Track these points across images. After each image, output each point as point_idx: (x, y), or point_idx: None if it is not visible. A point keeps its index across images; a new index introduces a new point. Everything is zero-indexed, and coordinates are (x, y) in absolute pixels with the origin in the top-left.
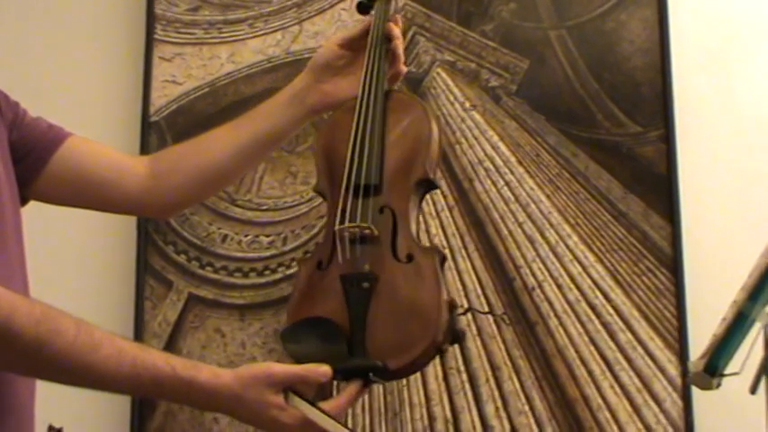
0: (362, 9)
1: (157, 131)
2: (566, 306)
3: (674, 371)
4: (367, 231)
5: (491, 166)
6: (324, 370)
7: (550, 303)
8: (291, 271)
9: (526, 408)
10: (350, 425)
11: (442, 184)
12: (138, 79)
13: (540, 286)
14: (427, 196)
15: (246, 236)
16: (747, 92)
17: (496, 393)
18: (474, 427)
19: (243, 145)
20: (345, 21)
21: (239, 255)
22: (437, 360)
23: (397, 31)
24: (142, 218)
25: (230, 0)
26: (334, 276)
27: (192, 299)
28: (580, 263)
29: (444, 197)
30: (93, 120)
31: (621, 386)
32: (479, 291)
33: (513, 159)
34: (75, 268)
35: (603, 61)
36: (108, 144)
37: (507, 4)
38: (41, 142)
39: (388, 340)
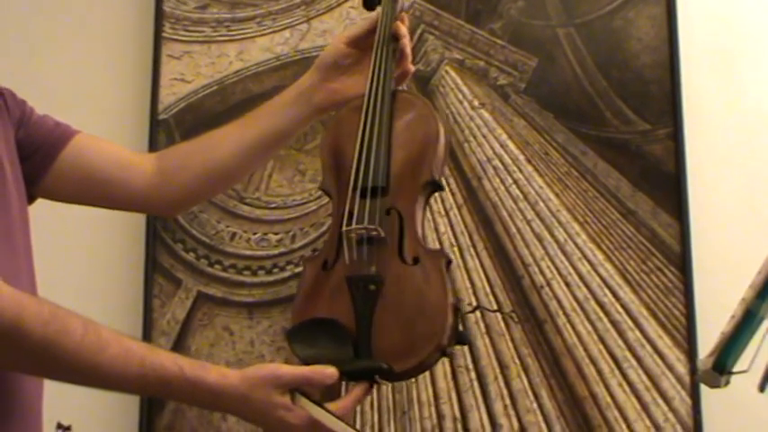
0: (369, 5)
1: (166, 129)
2: (574, 304)
3: (682, 369)
4: (374, 233)
5: (499, 165)
6: (330, 372)
7: (559, 301)
8: (300, 269)
9: (534, 406)
10: (358, 423)
11: (451, 182)
12: (146, 77)
13: (549, 284)
14: (436, 194)
15: (255, 234)
16: (756, 89)
17: (505, 392)
18: (482, 426)
19: (250, 143)
20: (353, 18)
21: (248, 253)
22: (445, 358)
23: (403, 29)
24: (150, 216)
25: None
26: (340, 277)
27: (200, 297)
28: (589, 261)
29: (453, 195)
30: (101, 118)
31: (630, 384)
32: (488, 289)
33: (521, 157)
34: (84, 266)
35: (612, 59)
36: (116, 142)
37: (516, 1)
38: (48, 140)
39: (394, 343)
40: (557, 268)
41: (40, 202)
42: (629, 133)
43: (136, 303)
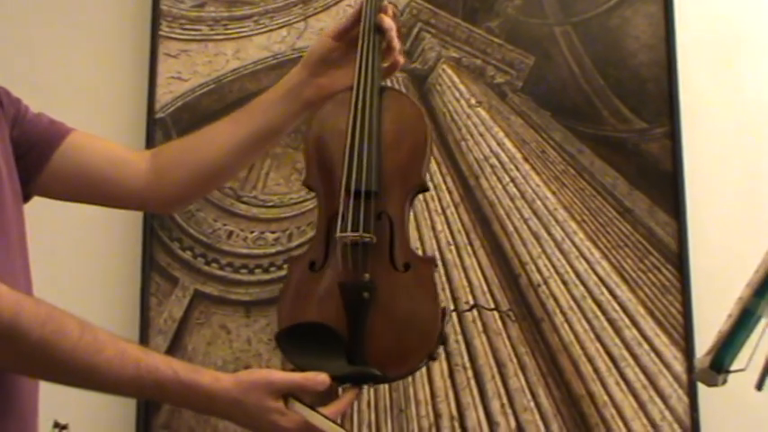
0: None
1: (163, 128)
2: (571, 303)
3: (679, 367)
4: (368, 239)
5: (497, 163)
6: (322, 378)
7: (556, 300)
8: None
9: (532, 404)
10: (355, 421)
11: (448, 180)
12: (143, 76)
13: (546, 283)
14: (432, 193)
15: (252, 232)
16: (753, 88)
17: (502, 390)
18: (479, 424)
19: (242, 140)
20: None
21: (245, 251)
22: (443, 357)
23: (388, 21)
24: (147, 213)
25: None
26: (331, 281)
27: (197, 295)
28: (586, 259)
29: (450, 194)
30: (98, 116)
31: (627, 383)
32: (485, 287)
33: (518, 156)
34: (80, 265)
35: (609, 58)
36: (113, 140)
37: (513, 0)
38: (43, 138)
39: (387, 350)
40: (554, 266)
41: (36, 200)
42: (627, 132)
43: (133, 302)
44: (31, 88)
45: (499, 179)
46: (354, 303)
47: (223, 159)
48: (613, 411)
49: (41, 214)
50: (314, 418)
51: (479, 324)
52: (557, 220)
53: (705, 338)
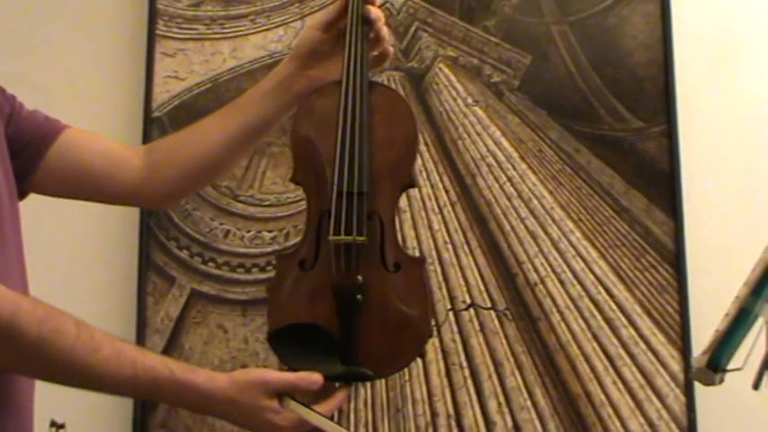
0: None
1: (159, 127)
2: (568, 302)
3: (676, 366)
4: (360, 241)
5: (494, 162)
6: (315, 378)
7: (553, 299)
8: None
9: (529, 404)
10: (352, 420)
11: (445, 179)
12: (140, 75)
13: (543, 282)
14: (429, 192)
15: (249, 231)
16: (750, 87)
17: (499, 389)
18: (476, 423)
19: (233, 134)
20: None
21: (242, 250)
22: (440, 356)
23: (375, 12)
24: (143, 212)
25: None
26: (322, 281)
27: (194, 294)
28: (583, 258)
29: (447, 193)
30: (95, 115)
31: (624, 382)
32: (482, 286)
33: (515, 155)
34: (77, 264)
35: (606, 57)
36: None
37: None
38: (38, 135)
39: (379, 350)
40: (550, 266)
41: (32, 198)
42: (623, 131)
43: (130, 301)
44: (27, 87)
45: (496, 178)
46: (348, 305)
47: (215, 153)
48: (610, 410)
49: (38, 213)
50: (309, 415)
51: (476, 323)
52: (553, 220)
53: (702, 337)
